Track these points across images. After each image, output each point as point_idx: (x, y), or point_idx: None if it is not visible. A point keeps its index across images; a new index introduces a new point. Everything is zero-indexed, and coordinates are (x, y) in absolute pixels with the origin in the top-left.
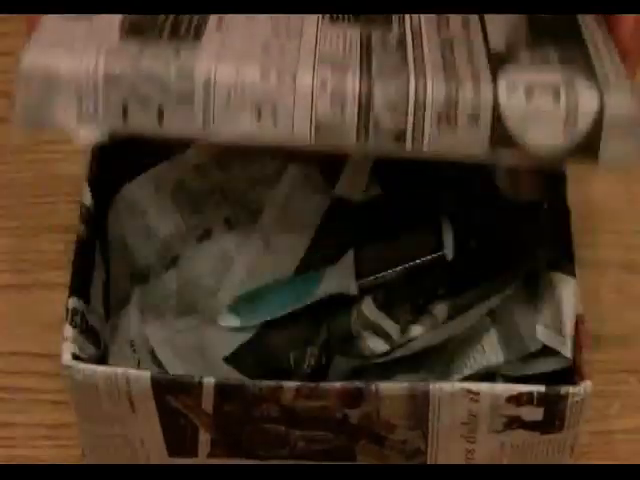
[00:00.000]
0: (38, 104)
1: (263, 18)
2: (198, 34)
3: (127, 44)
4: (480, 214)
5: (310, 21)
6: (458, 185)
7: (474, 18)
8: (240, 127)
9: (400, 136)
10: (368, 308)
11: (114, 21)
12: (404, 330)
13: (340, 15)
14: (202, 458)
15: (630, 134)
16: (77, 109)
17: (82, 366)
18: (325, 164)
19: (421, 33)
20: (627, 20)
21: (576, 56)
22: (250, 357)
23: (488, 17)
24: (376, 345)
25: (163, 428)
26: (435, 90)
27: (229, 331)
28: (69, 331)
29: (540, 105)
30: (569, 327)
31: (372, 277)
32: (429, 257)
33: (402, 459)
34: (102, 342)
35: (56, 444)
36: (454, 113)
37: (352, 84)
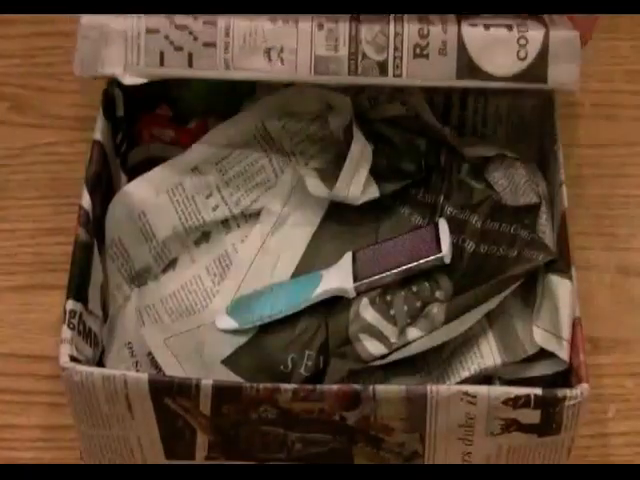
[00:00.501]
0: (92, 55)
1: None
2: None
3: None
4: (477, 217)
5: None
6: (456, 188)
7: None
8: (254, 66)
9: (384, 67)
10: (366, 310)
11: None
12: (401, 333)
13: None
14: (199, 460)
15: (572, 57)
16: (123, 58)
17: (80, 368)
18: (323, 167)
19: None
20: None
21: (529, 16)
22: (248, 359)
23: None
24: (374, 348)
25: (161, 430)
26: (410, 29)
27: (227, 333)
28: (67, 333)
29: (496, 34)
30: (566, 330)
31: (369, 279)
32: (427, 260)
33: (399, 461)
34: (100, 344)
35: (54, 446)
36: (426, 46)
37: (343, 26)
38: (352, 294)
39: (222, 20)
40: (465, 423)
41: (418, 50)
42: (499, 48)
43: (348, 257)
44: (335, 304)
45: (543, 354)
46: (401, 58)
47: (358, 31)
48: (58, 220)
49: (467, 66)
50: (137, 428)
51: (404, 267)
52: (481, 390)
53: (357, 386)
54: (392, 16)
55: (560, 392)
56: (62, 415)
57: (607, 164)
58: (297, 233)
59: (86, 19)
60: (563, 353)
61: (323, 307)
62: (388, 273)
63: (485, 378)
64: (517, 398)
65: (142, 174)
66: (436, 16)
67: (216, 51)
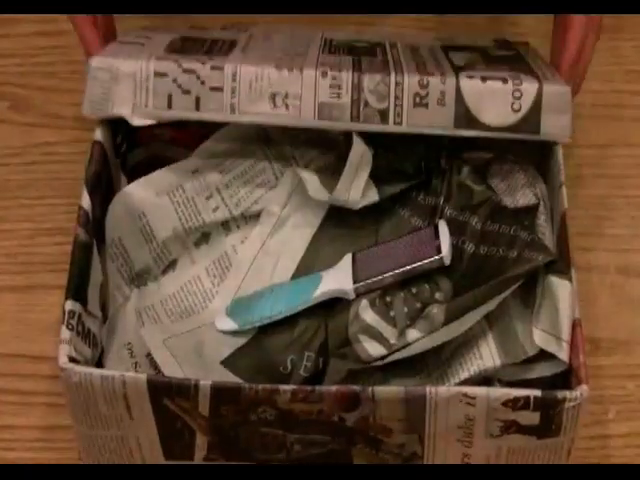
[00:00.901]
0: (101, 96)
1: (277, 45)
2: (227, 52)
3: (171, 55)
4: (477, 218)
5: (313, 48)
6: (456, 190)
7: (440, 53)
8: (259, 110)
9: (385, 115)
10: (365, 312)
11: (162, 43)
12: (401, 334)
13: (336, 49)
14: (198, 461)
15: (564, 111)
16: (132, 100)
17: (78, 369)
18: (323, 169)
19: (400, 59)
20: (569, 54)
21: (522, 68)
22: (247, 360)
23: (451, 53)
24: (373, 349)
25: (159, 431)
26: (410, 79)
27: (226, 334)
28: (66, 333)
29: (492, 87)
30: (566, 331)
31: (369, 281)
32: (427, 262)
33: (398, 462)
34: (99, 344)
35: (52, 447)
36: (426, 96)
37: (346, 75)
38: (352, 295)
39: (229, 66)
40: (464, 425)
41: (418, 99)
42: (495, 100)
43: (348, 259)
44: (335, 305)
45: (543, 355)
46: (402, 106)
47: (360, 80)
48: (57, 220)
49: (464, 116)
50: (136, 429)
51: (404, 269)
52: (480, 391)
53: (356, 387)
54: (392, 66)
55: (560, 394)
56: (61, 416)
57: (607, 164)
58: (297, 235)
59: (96, 61)
60: (563, 354)
61: (323, 308)
62: (388, 275)
63: (485, 379)
64: (516, 400)
65: (142, 174)
66: (435, 67)
67: (223, 95)
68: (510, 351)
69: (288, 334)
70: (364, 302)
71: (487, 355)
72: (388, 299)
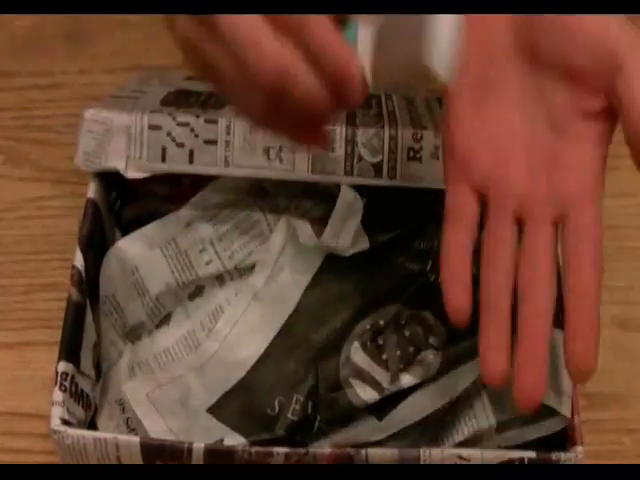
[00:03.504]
0: (95, 149)
1: None
2: (222, 105)
3: (166, 108)
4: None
5: None
6: None
7: (436, 105)
8: (253, 164)
9: (378, 169)
10: (356, 354)
11: (157, 97)
12: (395, 378)
13: None
14: None
15: None
16: (126, 153)
17: (71, 431)
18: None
19: (395, 111)
20: None
21: None
22: (234, 405)
23: None
24: (365, 393)
25: None
26: (405, 133)
27: (213, 379)
28: (58, 395)
29: None
30: (567, 385)
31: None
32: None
33: None
34: (92, 404)
35: None
36: (420, 150)
37: (340, 129)
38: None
39: (223, 119)
40: None
41: (412, 153)
42: None
43: None
44: (325, 347)
45: (543, 411)
46: (395, 160)
47: (354, 134)
48: (52, 275)
49: None
50: None
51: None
52: (475, 453)
53: (349, 449)
54: (387, 119)
55: (554, 455)
56: None
57: (605, 215)
58: (290, 285)
59: (90, 113)
60: (564, 409)
61: (312, 350)
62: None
63: (479, 439)
64: (511, 461)
65: (136, 230)
66: (429, 120)
67: (217, 149)
68: (506, 408)
69: (276, 375)
70: (355, 344)
71: (481, 414)
72: (380, 342)
